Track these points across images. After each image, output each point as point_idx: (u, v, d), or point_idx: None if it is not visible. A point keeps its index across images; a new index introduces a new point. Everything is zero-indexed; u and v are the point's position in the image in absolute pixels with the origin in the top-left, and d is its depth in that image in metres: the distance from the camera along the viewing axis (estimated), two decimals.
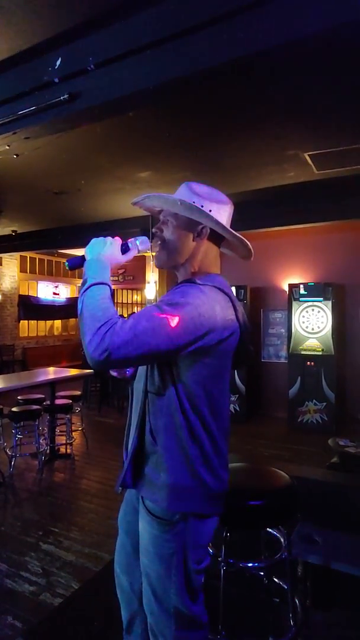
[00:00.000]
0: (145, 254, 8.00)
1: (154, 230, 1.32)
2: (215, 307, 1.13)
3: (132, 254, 1.28)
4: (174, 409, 1.16)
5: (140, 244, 1.28)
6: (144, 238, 1.29)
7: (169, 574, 1.17)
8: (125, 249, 1.27)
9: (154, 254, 1.33)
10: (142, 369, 1.26)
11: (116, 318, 1.06)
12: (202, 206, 1.23)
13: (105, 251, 1.22)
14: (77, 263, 1.25)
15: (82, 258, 1.24)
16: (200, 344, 1.10)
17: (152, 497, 1.19)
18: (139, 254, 1.30)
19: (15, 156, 3.46)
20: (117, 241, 1.26)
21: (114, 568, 1.43)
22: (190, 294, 1.12)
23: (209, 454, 1.18)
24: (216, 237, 1.30)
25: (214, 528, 1.27)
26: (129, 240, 1.29)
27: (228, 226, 1.29)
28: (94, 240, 1.25)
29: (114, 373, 1.38)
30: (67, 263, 1.29)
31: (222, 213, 1.27)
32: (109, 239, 1.25)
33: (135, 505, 1.31)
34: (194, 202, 1.23)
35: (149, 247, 1.30)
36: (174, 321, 1.05)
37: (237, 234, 1.29)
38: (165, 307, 1.08)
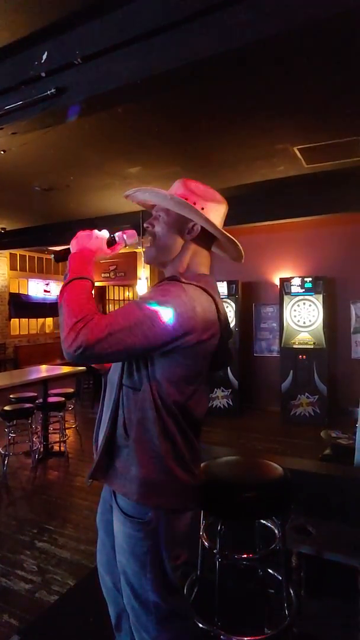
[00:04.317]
0: (135, 250, 7.98)
1: (145, 225, 1.29)
2: (196, 308, 1.11)
3: (118, 247, 1.27)
4: (148, 405, 1.15)
5: (127, 238, 1.26)
6: (132, 231, 1.26)
7: (144, 572, 1.17)
8: (111, 242, 1.25)
9: (143, 249, 1.31)
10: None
11: (92, 314, 1.05)
12: (194, 203, 1.21)
13: (90, 244, 1.21)
14: (63, 256, 1.24)
15: (68, 250, 1.23)
16: (177, 344, 1.09)
17: (123, 490, 1.19)
18: (127, 248, 1.28)
19: (2, 152, 3.42)
20: (104, 234, 1.24)
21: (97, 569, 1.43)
22: (171, 292, 1.10)
23: (181, 449, 1.18)
24: (207, 236, 1.27)
25: (189, 524, 1.26)
26: (116, 233, 1.26)
27: (220, 226, 1.26)
28: (80, 233, 1.23)
29: (93, 365, 1.35)
30: (52, 255, 1.29)
31: (215, 212, 1.25)
32: (96, 231, 1.24)
33: (111, 504, 1.30)
34: (186, 199, 1.21)
35: (137, 241, 1.28)
36: (152, 320, 1.05)
37: (229, 235, 1.26)
38: (144, 305, 1.07)
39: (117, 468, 1.20)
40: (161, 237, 1.26)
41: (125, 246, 1.28)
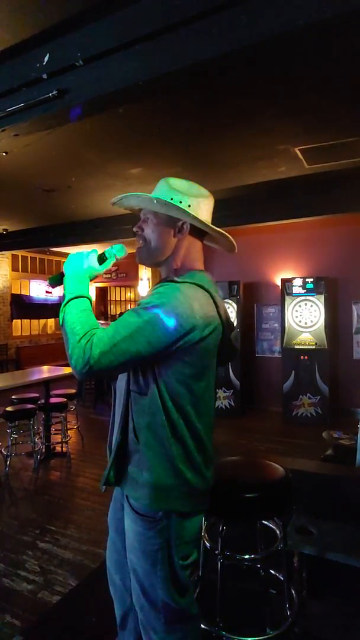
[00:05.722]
0: None
1: (134, 229, 1.31)
2: (194, 305, 1.12)
3: (110, 262, 1.29)
4: (156, 408, 1.15)
5: (117, 252, 1.28)
6: (121, 246, 1.28)
7: (154, 570, 1.18)
8: (102, 259, 1.27)
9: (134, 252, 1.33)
10: None
11: (94, 329, 1.07)
12: (180, 202, 1.22)
13: (82, 265, 1.23)
14: (58, 280, 1.26)
15: (62, 275, 1.25)
16: (180, 343, 1.10)
17: (135, 494, 1.20)
18: (119, 260, 1.30)
19: (4, 154, 3.43)
20: (94, 253, 1.26)
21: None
22: (168, 295, 1.12)
23: (192, 452, 1.18)
24: (198, 231, 1.29)
25: (199, 524, 1.27)
26: (106, 250, 1.28)
27: (209, 220, 1.28)
28: (70, 256, 1.25)
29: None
30: (48, 281, 1.32)
31: (202, 207, 1.26)
32: (85, 252, 1.26)
33: (122, 503, 1.32)
34: (172, 199, 1.22)
35: (126, 253, 1.29)
36: (152, 325, 1.06)
37: (218, 229, 1.28)
38: (142, 311, 1.08)
39: (129, 473, 1.22)
40: (152, 239, 1.27)
41: (117, 260, 1.30)
